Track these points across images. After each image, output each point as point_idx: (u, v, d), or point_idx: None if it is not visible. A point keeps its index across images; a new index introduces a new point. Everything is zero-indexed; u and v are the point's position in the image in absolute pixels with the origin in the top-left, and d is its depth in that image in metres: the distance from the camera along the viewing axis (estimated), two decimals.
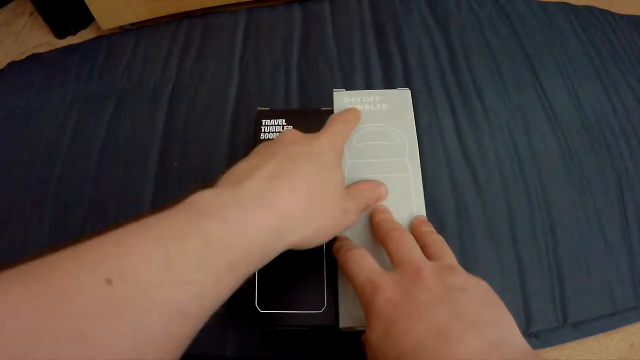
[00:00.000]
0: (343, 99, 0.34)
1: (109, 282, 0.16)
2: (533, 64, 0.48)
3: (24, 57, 0.57)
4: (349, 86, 0.47)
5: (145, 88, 0.50)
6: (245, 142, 0.44)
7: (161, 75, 0.51)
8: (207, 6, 0.56)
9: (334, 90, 0.35)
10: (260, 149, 0.26)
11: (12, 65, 0.56)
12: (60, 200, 0.43)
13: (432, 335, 0.20)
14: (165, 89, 0.49)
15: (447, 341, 0.19)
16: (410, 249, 0.25)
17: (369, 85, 0.47)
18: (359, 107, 0.34)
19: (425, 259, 0.24)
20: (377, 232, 0.28)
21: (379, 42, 0.51)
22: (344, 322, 0.27)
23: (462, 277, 0.23)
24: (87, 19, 0.59)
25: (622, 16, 0.54)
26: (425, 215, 0.30)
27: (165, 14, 0.56)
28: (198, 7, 0.56)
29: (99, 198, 0.43)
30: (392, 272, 0.24)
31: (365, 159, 0.31)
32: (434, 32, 0.52)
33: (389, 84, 0.47)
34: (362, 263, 0.24)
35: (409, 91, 0.35)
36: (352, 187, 0.28)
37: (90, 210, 0.42)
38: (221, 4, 0.56)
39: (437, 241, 0.27)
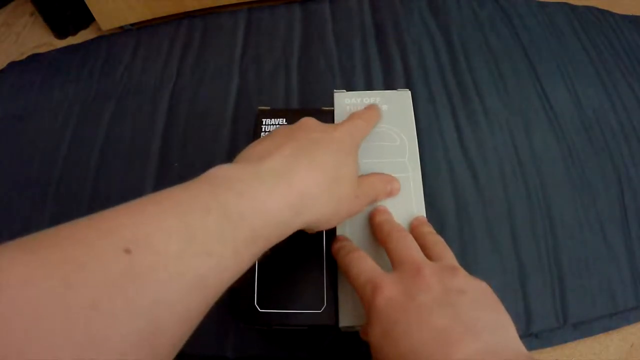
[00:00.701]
0: (343, 99, 0.34)
1: (128, 251, 0.15)
2: (533, 64, 0.48)
3: (24, 57, 0.57)
4: (349, 86, 0.47)
5: (145, 88, 0.50)
6: (245, 142, 0.44)
7: (161, 75, 0.51)
8: (207, 6, 0.56)
9: (334, 91, 0.35)
10: (279, 130, 0.26)
11: (12, 65, 0.56)
12: (60, 200, 0.43)
13: (431, 337, 0.20)
14: (165, 89, 0.49)
15: (445, 344, 0.19)
16: (411, 249, 0.25)
17: (369, 85, 0.47)
18: (360, 108, 0.34)
19: (425, 259, 0.24)
20: (377, 232, 0.28)
21: (379, 42, 0.51)
22: (344, 321, 0.28)
23: (463, 279, 0.23)
24: (87, 19, 0.59)
25: (622, 16, 0.54)
26: (425, 215, 0.30)
27: (165, 14, 0.56)
28: (198, 7, 0.56)
29: (99, 198, 0.43)
30: (393, 272, 0.24)
31: (365, 160, 0.31)
32: (434, 32, 0.52)
33: (389, 84, 0.47)
34: (362, 264, 0.25)
35: (409, 92, 0.35)
36: (364, 177, 0.28)
37: (90, 210, 0.42)
38: (221, 4, 0.56)
39: (437, 242, 0.27)
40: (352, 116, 0.29)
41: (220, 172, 0.21)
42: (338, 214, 0.25)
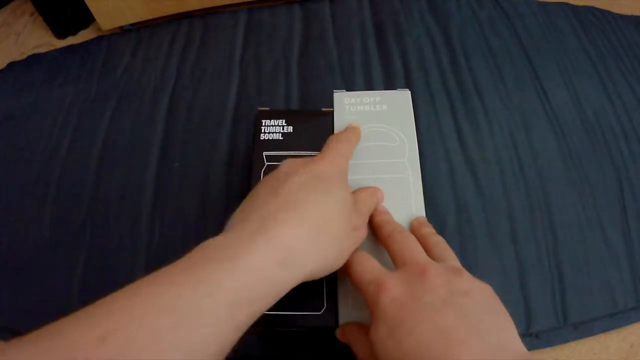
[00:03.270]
0: (343, 99, 0.35)
1: (105, 337, 0.16)
2: (533, 64, 0.48)
3: (24, 57, 0.57)
4: (349, 86, 0.47)
5: (145, 88, 0.50)
6: (245, 142, 0.44)
7: (161, 76, 0.51)
8: (207, 6, 0.56)
9: (334, 90, 0.35)
10: (262, 183, 0.26)
11: (12, 65, 0.56)
12: (60, 200, 0.43)
13: (435, 337, 0.20)
14: (165, 89, 0.49)
15: (449, 345, 0.19)
16: (414, 250, 0.25)
17: (369, 85, 0.47)
18: (359, 108, 0.34)
19: (430, 260, 0.24)
20: (378, 233, 0.28)
21: (379, 42, 0.51)
22: (343, 321, 0.28)
23: (467, 280, 0.23)
24: (87, 19, 0.59)
25: (622, 16, 0.54)
26: (424, 215, 0.30)
27: (165, 14, 0.56)
28: (198, 7, 0.56)
29: (99, 198, 0.43)
30: (397, 272, 0.24)
31: (364, 160, 0.31)
32: (434, 32, 0.52)
33: (389, 84, 0.47)
34: (366, 263, 0.25)
35: (409, 92, 0.35)
36: (355, 201, 0.27)
37: (90, 210, 0.43)
38: (221, 4, 0.56)
39: (439, 242, 0.27)
40: (332, 140, 0.29)
41: (209, 243, 0.21)
42: (341, 253, 0.24)
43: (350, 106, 0.34)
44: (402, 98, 0.34)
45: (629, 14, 0.55)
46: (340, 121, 0.34)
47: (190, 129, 0.46)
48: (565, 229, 0.39)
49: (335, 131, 0.33)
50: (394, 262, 0.25)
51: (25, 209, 0.43)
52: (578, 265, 0.38)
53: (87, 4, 0.53)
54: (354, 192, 0.28)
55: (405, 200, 0.30)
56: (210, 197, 0.42)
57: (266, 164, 0.33)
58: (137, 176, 0.44)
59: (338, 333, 0.27)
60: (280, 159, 0.33)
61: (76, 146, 0.47)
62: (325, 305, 0.29)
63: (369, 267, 0.24)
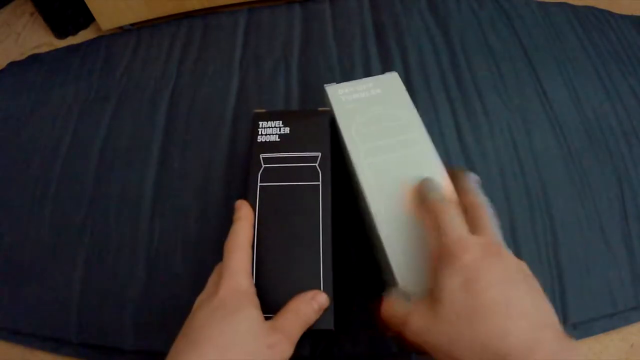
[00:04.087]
0: (337, 91, 0.35)
1: None
2: (533, 64, 0.48)
3: (24, 57, 0.57)
4: None
5: (145, 88, 0.50)
6: (245, 142, 0.44)
7: (161, 75, 0.51)
8: (207, 6, 0.56)
9: (325, 85, 0.35)
10: (189, 317, 0.26)
11: (12, 65, 0.56)
12: (60, 200, 0.44)
13: (504, 302, 0.21)
14: (165, 89, 0.49)
15: (511, 314, 0.21)
16: (491, 226, 0.26)
17: None
18: (355, 96, 0.34)
19: (502, 241, 0.25)
20: (462, 197, 0.28)
21: (379, 42, 0.51)
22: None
23: (525, 266, 0.24)
24: (87, 19, 0.59)
25: (622, 16, 0.54)
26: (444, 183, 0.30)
27: (165, 14, 0.56)
28: (198, 7, 0.56)
29: (99, 198, 0.43)
30: (477, 237, 0.24)
31: (378, 142, 0.32)
32: (434, 32, 0.52)
33: None
34: (457, 220, 0.25)
35: (396, 73, 0.36)
36: (279, 314, 0.27)
37: (90, 210, 0.43)
38: (221, 4, 0.56)
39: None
40: (226, 249, 0.28)
41: None
42: None
43: (345, 96, 0.35)
44: (391, 80, 0.35)
45: (629, 14, 0.55)
46: (341, 112, 0.34)
47: (190, 129, 0.46)
48: (565, 229, 0.39)
49: (339, 126, 0.33)
50: (471, 227, 0.25)
51: (25, 209, 0.43)
52: (578, 265, 0.38)
53: (87, 4, 0.53)
54: (287, 304, 0.27)
55: (428, 171, 0.30)
56: (210, 197, 0.42)
57: (263, 166, 0.33)
58: (137, 176, 0.44)
59: (383, 308, 0.26)
60: (277, 160, 0.33)
61: (76, 146, 0.47)
62: None
63: (459, 224, 0.25)
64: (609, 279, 0.37)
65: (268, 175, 0.33)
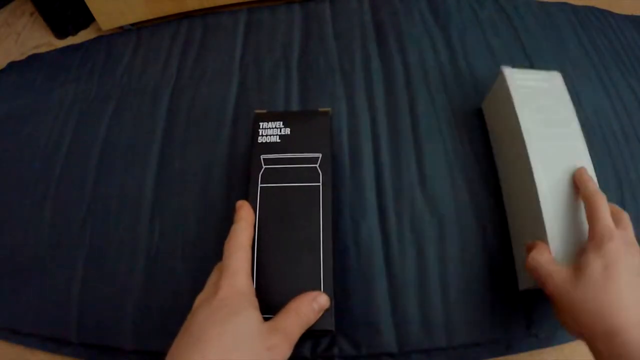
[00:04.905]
0: (513, 75, 0.37)
1: None
2: (533, 64, 0.48)
3: (24, 57, 0.57)
4: (349, 86, 0.47)
5: (145, 88, 0.50)
6: (245, 142, 0.44)
7: (161, 75, 0.51)
8: (207, 6, 0.56)
9: (502, 67, 0.38)
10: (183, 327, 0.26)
11: (12, 65, 0.56)
12: (60, 200, 0.44)
13: (627, 291, 0.26)
14: (165, 89, 0.49)
15: (623, 305, 0.26)
16: (630, 224, 0.30)
17: (369, 85, 0.47)
18: (527, 83, 0.37)
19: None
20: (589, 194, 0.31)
21: (379, 42, 0.51)
22: (523, 285, 0.35)
23: None
24: (87, 19, 0.59)
25: (622, 16, 0.54)
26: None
27: (165, 14, 0.56)
28: (198, 7, 0.56)
29: (99, 198, 0.43)
30: (621, 231, 0.29)
31: (544, 129, 0.35)
32: (434, 32, 0.52)
33: (389, 84, 0.47)
34: (608, 212, 0.29)
35: (559, 73, 0.38)
36: (280, 315, 0.27)
37: (90, 210, 0.43)
38: (221, 4, 0.56)
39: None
40: (227, 249, 0.28)
41: None
42: None
43: (520, 81, 0.37)
44: (555, 77, 0.38)
45: (629, 14, 0.55)
46: (516, 95, 0.36)
47: (190, 129, 0.46)
48: None
49: (516, 110, 0.35)
50: (614, 219, 0.29)
51: (25, 209, 0.43)
52: None
53: (87, 4, 0.53)
54: (287, 305, 0.28)
55: (581, 165, 0.33)
56: (210, 197, 0.42)
57: (264, 167, 0.33)
58: (137, 176, 0.44)
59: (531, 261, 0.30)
60: (278, 161, 0.33)
61: (76, 146, 0.47)
62: None
63: (608, 215, 0.29)
64: None
65: (269, 176, 0.33)
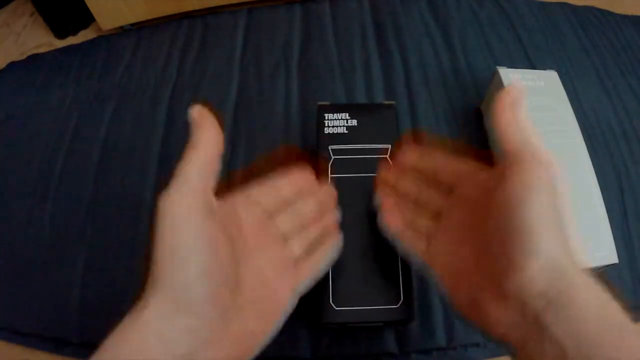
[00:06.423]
0: (508, 74, 0.38)
1: None
2: (533, 64, 0.48)
3: (24, 57, 0.57)
4: (349, 86, 0.47)
5: (145, 88, 0.50)
6: (245, 142, 0.44)
7: (161, 75, 0.51)
8: (207, 6, 0.56)
9: (497, 67, 0.39)
10: None
11: (12, 65, 0.56)
12: (60, 201, 0.43)
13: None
14: (165, 89, 0.49)
15: None
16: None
17: (368, 85, 0.47)
18: (523, 83, 0.38)
19: None
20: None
21: (379, 42, 0.51)
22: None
23: None
24: (87, 19, 0.59)
25: (622, 16, 0.54)
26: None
27: (165, 14, 0.56)
28: (198, 7, 0.56)
29: (99, 198, 0.43)
30: None
31: (541, 128, 0.35)
32: (434, 32, 0.52)
33: (389, 84, 0.47)
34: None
35: (555, 73, 0.40)
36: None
37: (90, 210, 0.42)
38: (221, 4, 0.56)
39: None
40: None
41: None
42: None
43: (515, 81, 0.38)
44: (551, 76, 0.40)
45: (629, 13, 0.55)
46: None
47: (190, 129, 0.46)
48: None
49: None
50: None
51: (25, 209, 0.43)
52: None
53: (87, 4, 0.53)
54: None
55: (579, 161, 0.35)
56: None
57: (333, 157, 0.33)
58: (137, 176, 0.44)
59: None
60: (346, 152, 0.33)
61: (76, 146, 0.47)
62: (402, 299, 0.28)
63: None
64: (609, 278, 0.37)
65: (338, 166, 0.33)
